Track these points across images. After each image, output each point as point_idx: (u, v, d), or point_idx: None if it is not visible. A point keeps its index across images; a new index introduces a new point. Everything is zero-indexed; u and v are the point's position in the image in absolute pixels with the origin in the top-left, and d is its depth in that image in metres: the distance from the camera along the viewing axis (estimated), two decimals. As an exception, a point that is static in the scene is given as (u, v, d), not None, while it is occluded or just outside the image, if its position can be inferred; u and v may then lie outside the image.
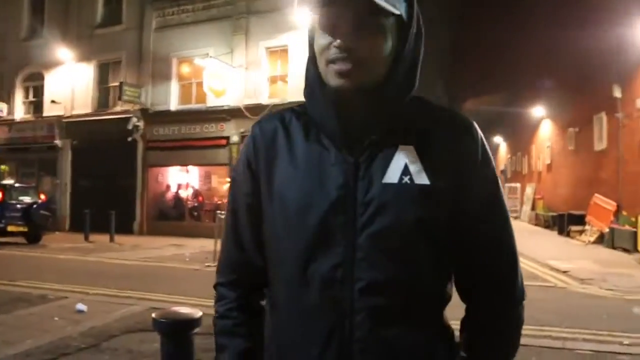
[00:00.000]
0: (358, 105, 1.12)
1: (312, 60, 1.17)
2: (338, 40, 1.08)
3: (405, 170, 1.12)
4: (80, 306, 6.97)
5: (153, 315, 2.32)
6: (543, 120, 23.78)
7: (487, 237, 1.18)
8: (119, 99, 20.30)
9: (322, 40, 1.11)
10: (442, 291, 1.19)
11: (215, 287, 1.32)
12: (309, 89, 1.20)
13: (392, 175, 1.12)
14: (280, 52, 18.32)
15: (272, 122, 1.25)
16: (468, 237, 1.17)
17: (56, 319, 6.57)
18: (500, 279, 1.20)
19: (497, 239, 1.20)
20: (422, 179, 1.12)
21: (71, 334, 5.86)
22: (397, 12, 1.08)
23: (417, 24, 1.16)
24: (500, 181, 1.23)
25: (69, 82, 22.34)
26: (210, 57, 18.80)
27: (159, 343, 2.60)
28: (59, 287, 8.62)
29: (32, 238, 16.41)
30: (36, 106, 23.68)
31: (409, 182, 1.11)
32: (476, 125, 1.21)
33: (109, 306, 7.27)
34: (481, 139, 1.19)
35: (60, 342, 5.56)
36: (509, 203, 16.35)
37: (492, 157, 1.21)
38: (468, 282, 1.21)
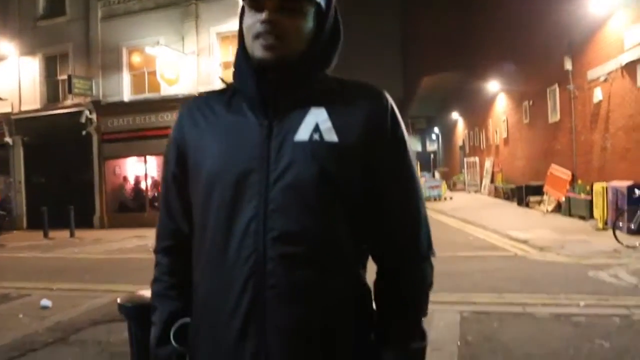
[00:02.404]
0: (276, 75, 1.22)
1: (240, 38, 1.28)
2: (264, 15, 1.18)
3: (316, 129, 1.21)
4: (45, 302, 6.85)
5: (118, 300, 2.30)
6: (498, 95, 24.12)
7: (395, 196, 1.28)
8: (69, 92, 19.78)
9: (249, 19, 1.22)
10: (357, 247, 1.27)
11: (154, 253, 1.43)
12: (236, 63, 1.30)
13: (303, 133, 1.21)
14: (232, 38, 17.94)
15: (198, 100, 1.37)
16: (378, 196, 1.26)
17: (21, 316, 6.45)
18: (407, 235, 1.29)
19: (404, 199, 1.29)
20: (331, 136, 1.21)
21: (37, 330, 5.77)
22: None
23: (334, 14, 1.29)
24: (409, 145, 1.31)
25: (15, 78, 21.56)
26: (161, 45, 18.49)
27: (125, 332, 2.58)
28: (22, 285, 8.45)
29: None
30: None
31: (318, 139, 1.20)
32: (386, 93, 1.30)
33: (74, 300, 7.17)
34: (391, 105, 1.29)
35: (26, 338, 5.48)
36: (468, 177, 16.72)
37: (401, 122, 1.30)
38: (377, 240, 1.29)
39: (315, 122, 1.21)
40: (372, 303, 1.31)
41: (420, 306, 1.31)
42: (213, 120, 1.29)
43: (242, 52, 1.27)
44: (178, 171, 1.34)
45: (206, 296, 1.26)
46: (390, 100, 1.29)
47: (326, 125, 1.21)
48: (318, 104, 1.23)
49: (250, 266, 1.17)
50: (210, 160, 1.24)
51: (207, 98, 1.35)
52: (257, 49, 1.20)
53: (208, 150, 1.25)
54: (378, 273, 1.32)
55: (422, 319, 1.32)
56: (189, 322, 1.32)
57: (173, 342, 1.31)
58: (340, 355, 1.24)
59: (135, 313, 2.46)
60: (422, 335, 1.31)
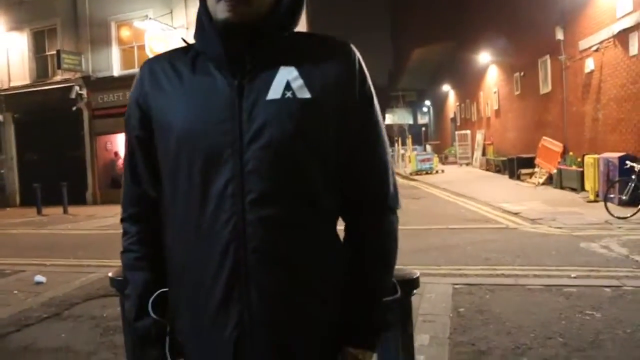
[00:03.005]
0: (241, 35, 1.19)
1: (202, 0, 1.24)
2: None
3: (288, 86, 1.18)
4: (39, 278, 6.89)
5: (109, 274, 2.30)
6: (489, 66, 24.01)
7: (363, 151, 1.27)
8: (59, 67, 19.64)
9: None
10: (333, 204, 1.26)
11: (120, 222, 1.38)
12: (198, 24, 1.27)
13: (275, 92, 1.18)
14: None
15: (159, 60, 1.32)
16: (347, 151, 1.24)
17: (15, 292, 6.49)
18: (375, 189, 1.29)
19: (372, 153, 1.28)
20: (304, 93, 1.18)
21: (32, 305, 5.82)
22: None
23: None
24: (376, 100, 1.30)
25: (3, 54, 21.39)
26: (150, 19, 18.30)
27: (118, 307, 2.59)
28: (16, 261, 8.50)
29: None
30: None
31: (291, 96, 1.18)
32: (353, 46, 1.27)
33: (68, 276, 7.20)
34: (358, 59, 1.26)
35: (21, 314, 5.53)
36: (459, 150, 16.59)
37: (368, 77, 1.28)
38: (346, 196, 1.28)
39: (286, 80, 1.19)
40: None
41: (389, 258, 1.31)
42: (177, 81, 1.25)
43: (205, 13, 1.23)
44: (142, 133, 1.29)
45: (184, 263, 1.23)
46: (358, 55, 1.27)
47: (297, 82, 1.19)
48: (287, 62, 1.21)
49: (229, 230, 1.15)
50: (179, 122, 1.20)
51: (170, 58, 1.31)
52: (220, 11, 1.17)
53: (176, 113, 1.21)
54: (346, 229, 1.32)
55: (392, 272, 1.32)
56: (167, 292, 1.29)
57: (152, 313, 1.27)
58: (328, 314, 1.24)
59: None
60: (393, 289, 1.33)
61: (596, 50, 13.23)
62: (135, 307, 1.30)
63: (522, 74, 19.39)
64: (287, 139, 1.15)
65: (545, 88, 17.15)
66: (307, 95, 1.18)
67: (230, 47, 1.19)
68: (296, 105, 1.17)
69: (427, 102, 47.46)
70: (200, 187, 1.18)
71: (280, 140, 1.15)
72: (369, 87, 1.27)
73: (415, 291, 2.12)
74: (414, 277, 2.05)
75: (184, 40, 1.34)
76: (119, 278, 2.41)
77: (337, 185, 1.25)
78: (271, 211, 1.15)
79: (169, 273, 1.29)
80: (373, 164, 1.28)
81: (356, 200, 1.28)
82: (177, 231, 1.24)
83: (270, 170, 1.15)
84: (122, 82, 19.24)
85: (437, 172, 23.79)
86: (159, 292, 1.29)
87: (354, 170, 1.26)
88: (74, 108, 19.88)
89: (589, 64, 13.59)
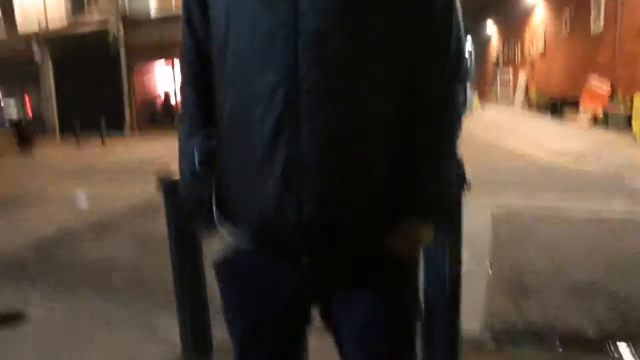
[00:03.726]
0: None
1: None
2: None
3: None
4: (81, 198, 7.16)
5: (156, 174, 2.28)
6: (536, 4, 23.14)
7: (430, 13, 1.15)
8: (95, 6, 19.73)
9: None
10: (396, 52, 1.14)
11: (180, 90, 1.37)
12: None
13: None
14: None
15: None
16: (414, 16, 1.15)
17: (59, 212, 6.74)
18: (436, 52, 1.18)
19: (436, 16, 1.17)
20: None
21: (77, 224, 6.01)
22: None
23: None
24: None
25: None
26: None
27: (159, 224, 2.57)
28: (59, 186, 8.79)
29: (24, 146, 16.44)
30: (8, 22, 23.04)
31: None
32: None
33: (109, 197, 7.43)
34: None
35: (66, 229, 5.75)
36: (501, 91, 16.13)
37: None
38: (407, 56, 1.17)
39: None
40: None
41: (452, 126, 1.23)
42: None
43: None
44: None
45: (234, 108, 1.17)
46: None
47: None
48: None
49: (281, 69, 1.08)
50: (242, 15, 1.13)
51: None
52: None
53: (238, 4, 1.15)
54: (409, 97, 1.20)
55: (455, 143, 1.25)
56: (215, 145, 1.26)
57: (197, 164, 1.26)
58: (380, 170, 1.16)
59: (174, 187, 2.48)
60: (458, 163, 1.27)
61: (658, -18, 12.52)
62: (190, 168, 1.29)
63: (572, 12, 18.58)
64: None
65: (596, 27, 16.40)
66: None
67: None
68: None
69: (467, 44, 46.27)
70: (252, 30, 1.10)
71: None
72: None
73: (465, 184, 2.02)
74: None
75: None
76: (166, 180, 2.40)
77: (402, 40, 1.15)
78: (325, 51, 1.07)
79: (219, 127, 1.24)
80: (438, 27, 1.17)
81: (425, 70, 1.18)
82: (228, 79, 1.17)
83: (325, 9, 1.06)
84: (159, 22, 19.17)
85: (477, 111, 23.36)
86: (206, 144, 1.27)
87: (420, 29, 1.15)
88: (111, 48, 20.04)
89: (649, -3, 12.89)
